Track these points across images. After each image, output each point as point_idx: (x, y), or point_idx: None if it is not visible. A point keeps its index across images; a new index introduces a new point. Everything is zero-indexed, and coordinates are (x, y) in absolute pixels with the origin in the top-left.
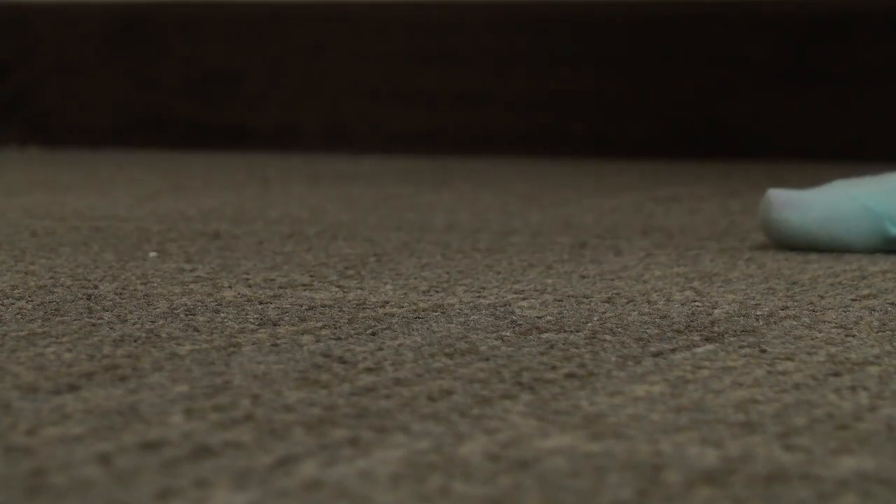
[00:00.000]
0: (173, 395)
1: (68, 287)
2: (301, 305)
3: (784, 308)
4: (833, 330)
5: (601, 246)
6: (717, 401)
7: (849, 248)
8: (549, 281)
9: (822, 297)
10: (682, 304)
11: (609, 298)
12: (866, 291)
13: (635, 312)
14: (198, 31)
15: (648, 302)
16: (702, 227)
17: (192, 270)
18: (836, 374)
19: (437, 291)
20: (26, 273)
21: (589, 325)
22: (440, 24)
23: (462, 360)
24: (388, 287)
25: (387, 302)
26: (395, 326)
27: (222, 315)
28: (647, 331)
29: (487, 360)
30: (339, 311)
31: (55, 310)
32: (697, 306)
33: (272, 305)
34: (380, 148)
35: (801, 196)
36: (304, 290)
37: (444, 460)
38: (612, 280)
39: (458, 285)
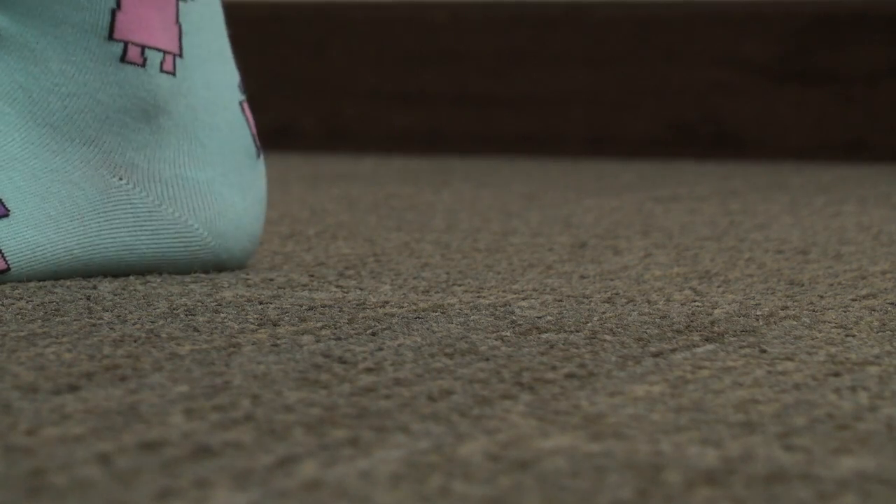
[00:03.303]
0: (173, 395)
1: (68, 287)
2: (301, 305)
3: (784, 308)
4: (833, 330)
5: (601, 246)
6: (717, 401)
7: None
8: (549, 281)
9: (822, 297)
10: (681, 304)
11: (609, 298)
12: (866, 291)
13: (635, 312)
14: None
15: (648, 302)
16: (702, 227)
17: (191, 271)
18: (836, 374)
19: (436, 291)
20: None
21: (589, 325)
22: (440, 24)
23: (462, 360)
24: (388, 287)
25: (387, 302)
26: (395, 326)
27: (222, 315)
28: (647, 331)
29: (487, 360)
30: (339, 311)
31: (55, 310)
32: (697, 306)
33: (272, 305)
34: (380, 148)
35: None
36: (304, 290)
37: (444, 460)
38: (612, 280)
39: (457, 285)
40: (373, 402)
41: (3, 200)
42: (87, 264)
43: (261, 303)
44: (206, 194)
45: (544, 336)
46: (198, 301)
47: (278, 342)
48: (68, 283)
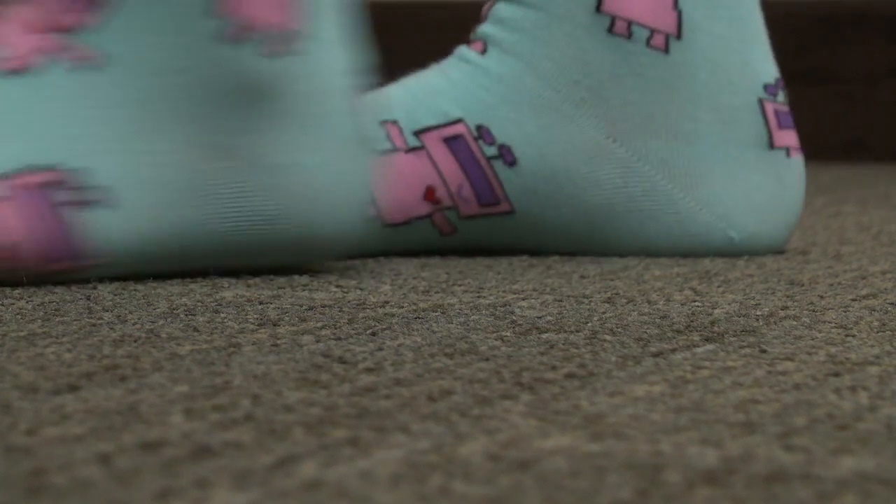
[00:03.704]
0: (173, 395)
1: (68, 287)
2: (301, 305)
3: (784, 308)
4: (833, 330)
5: None
6: (717, 401)
7: None
8: (549, 281)
9: (822, 297)
10: (682, 304)
11: (609, 298)
12: (866, 291)
13: (635, 312)
14: None
15: (648, 302)
16: None
17: (191, 270)
18: (836, 374)
19: (437, 291)
20: None
21: (589, 325)
22: (440, 24)
23: (462, 360)
24: (388, 287)
25: (387, 302)
26: (395, 326)
27: (222, 315)
28: (647, 331)
29: (487, 360)
30: (339, 311)
31: (55, 310)
32: (697, 306)
33: (272, 305)
34: None
35: None
36: (304, 290)
37: (444, 460)
38: (612, 280)
39: (457, 285)
40: (373, 402)
41: (109, 188)
42: (188, 251)
43: (261, 303)
44: (308, 183)
45: (544, 336)
46: (198, 301)
47: (278, 342)
48: (69, 283)
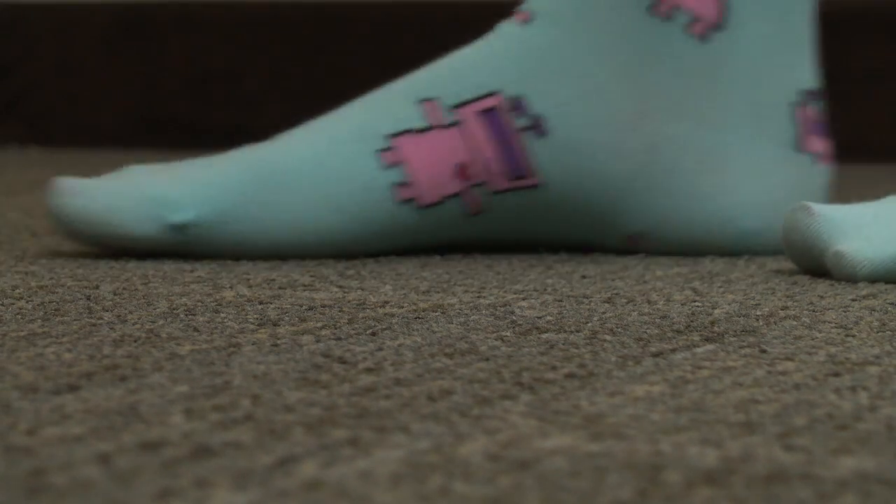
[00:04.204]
0: (173, 395)
1: (68, 287)
2: (301, 305)
3: (784, 308)
4: (833, 330)
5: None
6: (717, 401)
7: (132, 237)
8: (549, 281)
9: (822, 297)
10: (682, 304)
11: (609, 298)
12: (866, 291)
13: (635, 312)
14: (198, 31)
15: (648, 302)
16: None
17: (192, 271)
18: (836, 374)
19: (437, 291)
20: (26, 273)
21: (589, 325)
22: (440, 24)
23: (462, 360)
24: (388, 287)
25: (387, 302)
26: (395, 326)
27: (222, 315)
28: (647, 331)
29: (487, 360)
30: (339, 311)
31: (55, 310)
32: (697, 306)
33: (272, 305)
34: None
35: (86, 184)
36: (304, 290)
37: (444, 460)
38: (612, 280)
39: (458, 285)
40: (373, 402)
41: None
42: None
43: (261, 303)
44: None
45: (544, 336)
46: (198, 301)
47: (278, 342)
48: (69, 283)
